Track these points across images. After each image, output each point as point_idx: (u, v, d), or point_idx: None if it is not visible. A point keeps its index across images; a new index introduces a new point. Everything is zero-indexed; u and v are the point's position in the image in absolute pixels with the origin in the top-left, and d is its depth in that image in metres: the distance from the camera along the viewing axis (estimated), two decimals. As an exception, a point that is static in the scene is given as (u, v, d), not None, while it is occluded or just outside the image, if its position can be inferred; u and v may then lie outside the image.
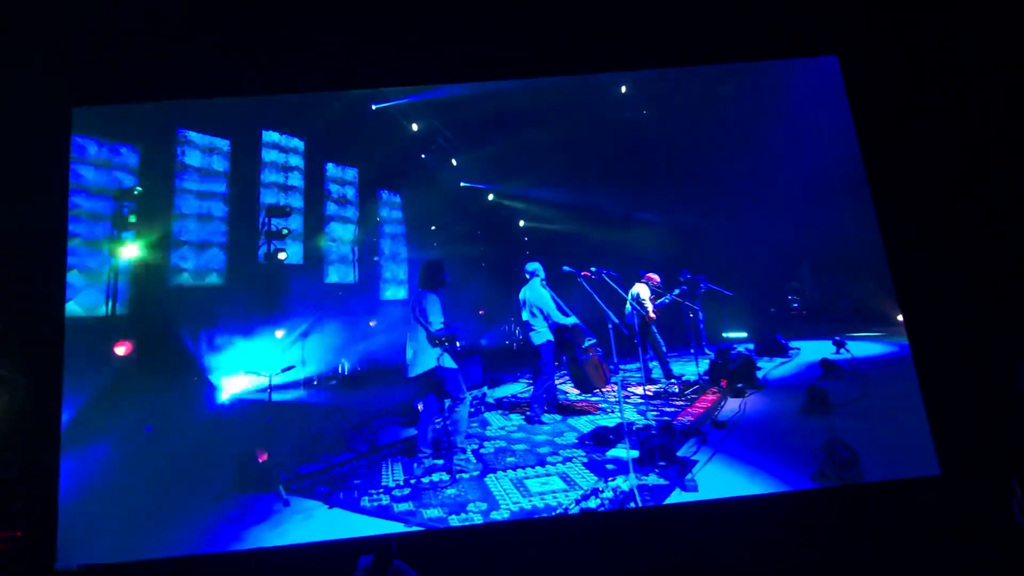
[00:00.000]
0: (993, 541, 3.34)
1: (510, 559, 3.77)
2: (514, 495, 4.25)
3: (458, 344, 7.53)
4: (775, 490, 4.01)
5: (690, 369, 6.82)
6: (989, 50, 4.32)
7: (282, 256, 7.00)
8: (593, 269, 6.13)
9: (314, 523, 4.02)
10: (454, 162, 10.44)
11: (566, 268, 5.44)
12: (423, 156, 10.08)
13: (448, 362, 4.65)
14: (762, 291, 9.45)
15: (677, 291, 7.47)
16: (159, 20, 4.48)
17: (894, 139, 4.46)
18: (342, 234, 9.36)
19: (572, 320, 5.87)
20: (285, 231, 7.24)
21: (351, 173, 9.81)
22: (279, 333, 6.45)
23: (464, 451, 4.69)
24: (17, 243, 4.09)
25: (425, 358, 4.66)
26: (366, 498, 4.35)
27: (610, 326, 4.71)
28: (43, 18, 4.33)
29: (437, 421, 4.94)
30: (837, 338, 7.41)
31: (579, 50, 4.87)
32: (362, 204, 9.81)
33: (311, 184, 9.01)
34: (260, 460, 4.42)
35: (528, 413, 5.84)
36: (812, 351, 7.59)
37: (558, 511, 3.90)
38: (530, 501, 4.13)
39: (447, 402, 4.80)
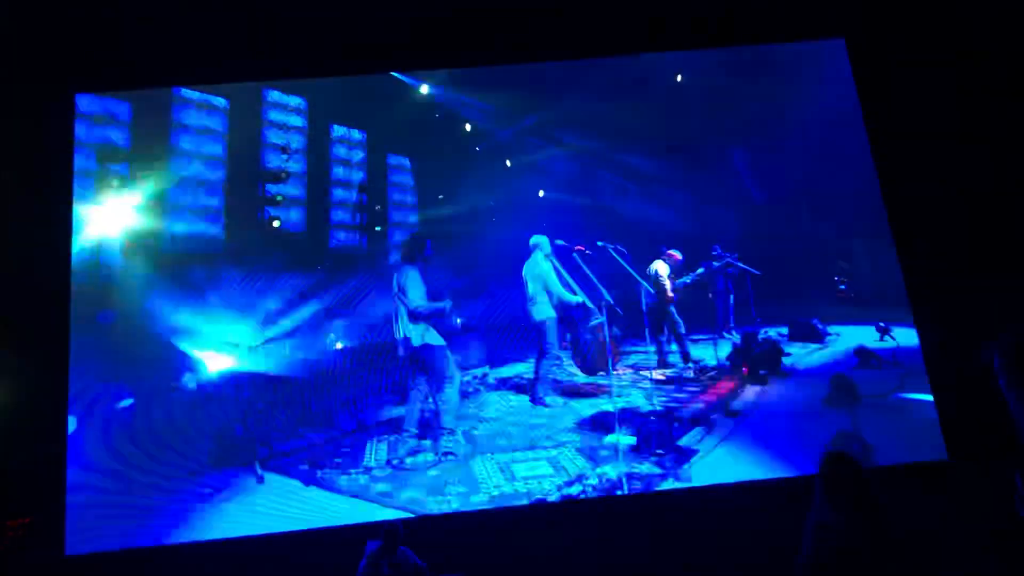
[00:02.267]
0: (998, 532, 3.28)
1: (515, 547, 3.90)
2: (497, 479, 4.34)
3: (459, 321, 7.69)
4: (779, 486, 3.98)
5: (709, 354, 6.72)
6: (999, 34, 4.38)
7: (276, 224, 7.16)
8: (599, 243, 6.12)
9: (287, 501, 4.23)
10: (468, 127, 10.39)
11: (559, 241, 5.43)
12: (436, 116, 10.04)
13: (434, 339, 4.72)
14: (804, 270, 9.15)
15: (701, 269, 7.33)
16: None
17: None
18: (347, 200, 9.47)
19: (579, 298, 5.86)
20: (280, 197, 7.40)
21: (358, 135, 9.89)
22: (271, 304, 6.62)
23: (453, 432, 4.77)
24: (22, 230, 4.38)
25: (411, 336, 4.75)
26: (345, 477, 4.51)
27: (603, 304, 4.68)
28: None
29: (429, 401, 5.04)
30: (882, 324, 7.13)
31: (585, 33, 5.05)
32: (370, 168, 9.89)
33: (315, 147, 9.12)
34: (238, 436, 4.61)
35: (532, 394, 5.91)
36: (853, 337, 7.35)
37: (538, 496, 3.96)
38: (512, 486, 4.21)
39: (436, 382, 4.87)
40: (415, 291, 4.69)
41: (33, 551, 3.82)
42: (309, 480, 4.44)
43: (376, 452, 4.96)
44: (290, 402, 5.61)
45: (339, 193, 9.29)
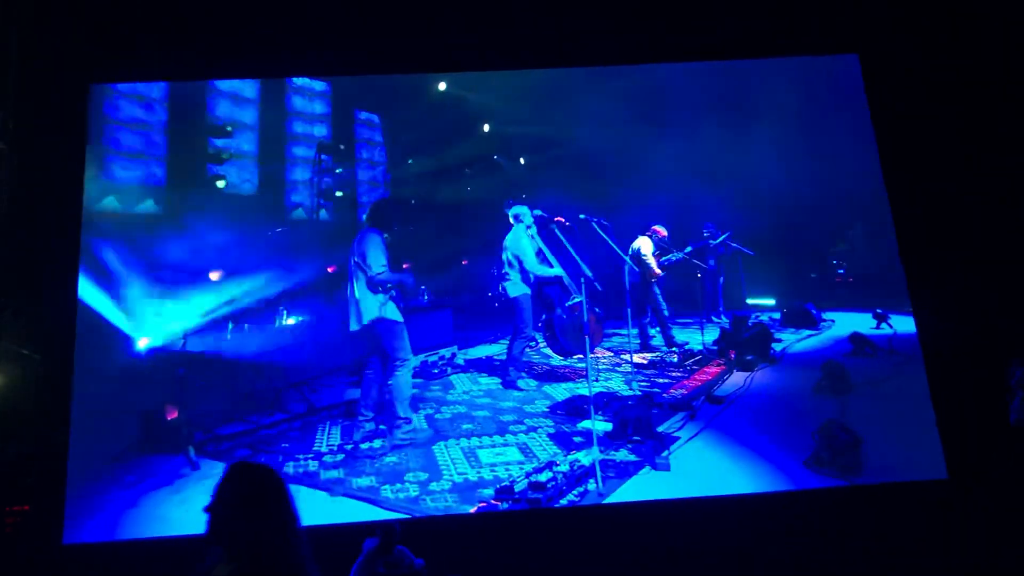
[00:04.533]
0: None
1: (516, 547, 3.90)
2: (462, 465, 4.32)
3: (425, 297, 7.60)
4: (762, 475, 4.04)
5: (696, 338, 6.78)
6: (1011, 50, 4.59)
7: (220, 184, 6.97)
8: (582, 216, 6.08)
9: None
10: (442, 85, 10.19)
11: (537, 212, 5.37)
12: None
13: (392, 313, 4.64)
14: (799, 252, 9.27)
15: (690, 247, 7.37)
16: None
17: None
18: (307, 158, 9.21)
19: (555, 272, 5.83)
20: (226, 155, 7.19)
21: (321, 86, 9.59)
22: (214, 275, 6.46)
23: (409, 421, 4.69)
24: (30, 221, 4.45)
25: (367, 307, 4.63)
26: (292, 463, 4.45)
27: (582, 280, 4.67)
28: None
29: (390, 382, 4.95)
30: (879, 310, 7.27)
31: (595, 42, 5.14)
32: (334, 123, 9.60)
33: (270, 99, 8.80)
34: (169, 418, 4.50)
35: (505, 377, 5.91)
36: (849, 324, 7.48)
37: (504, 484, 3.96)
38: (478, 472, 4.21)
39: (387, 362, 4.76)
40: (378, 257, 4.56)
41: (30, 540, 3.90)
42: (251, 466, 4.35)
43: (328, 437, 4.90)
44: (233, 381, 5.53)
45: (298, 151, 9.10)
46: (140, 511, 4.03)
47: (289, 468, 4.37)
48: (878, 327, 7.07)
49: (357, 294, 4.67)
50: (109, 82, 5.98)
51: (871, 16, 4.95)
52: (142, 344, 5.34)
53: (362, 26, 4.94)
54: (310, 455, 4.58)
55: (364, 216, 4.92)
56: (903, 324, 7.14)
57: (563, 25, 4.95)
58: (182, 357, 5.12)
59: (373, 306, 4.62)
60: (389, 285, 4.61)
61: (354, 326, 4.70)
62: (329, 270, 8.18)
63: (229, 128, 7.20)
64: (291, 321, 6.88)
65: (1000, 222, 4.46)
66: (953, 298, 4.44)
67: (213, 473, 4.30)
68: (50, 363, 4.25)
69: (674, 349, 6.71)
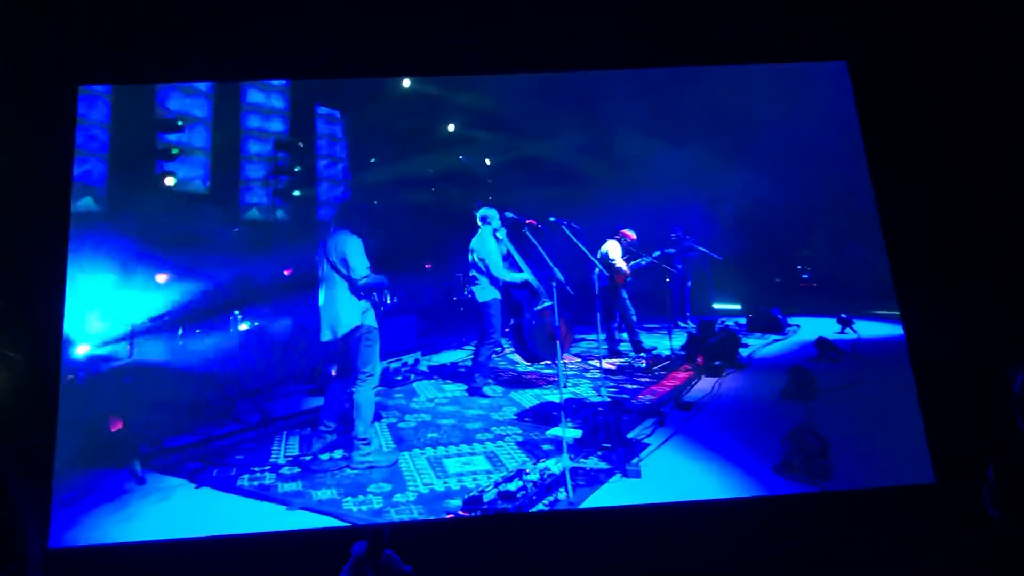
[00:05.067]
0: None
1: (503, 552, 3.93)
2: (428, 475, 4.27)
3: (389, 300, 7.51)
4: (733, 482, 4.10)
5: (664, 344, 6.87)
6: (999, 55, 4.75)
7: (169, 181, 6.75)
8: (552, 219, 6.10)
9: (173, 504, 4.02)
10: (407, 83, 10.09)
11: (509, 214, 5.36)
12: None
13: (372, 320, 4.54)
14: (764, 257, 9.49)
15: (659, 252, 7.45)
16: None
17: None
18: (263, 154, 8.97)
19: (522, 276, 5.83)
20: (175, 150, 6.97)
21: (279, 81, 9.37)
22: (161, 277, 6.24)
23: (368, 442, 4.50)
24: (17, 220, 4.50)
25: (347, 315, 4.49)
26: (246, 476, 4.32)
27: (554, 284, 4.67)
28: None
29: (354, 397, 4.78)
30: (844, 315, 7.50)
31: (579, 47, 5.22)
32: (293, 118, 9.39)
33: (224, 91, 8.54)
34: (113, 430, 4.33)
35: (471, 383, 5.87)
36: (814, 329, 7.68)
37: (472, 494, 3.92)
38: (444, 483, 4.16)
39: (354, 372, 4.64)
40: (362, 261, 4.43)
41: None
42: (202, 480, 4.23)
43: (286, 448, 4.78)
44: (183, 390, 5.32)
45: (253, 147, 8.86)
46: (81, 530, 3.86)
47: (244, 481, 4.25)
48: (842, 331, 7.29)
49: (335, 301, 4.52)
50: (99, 83, 6.09)
51: (842, 26, 5.08)
52: (80, 352, 5.11)
53: (329, 28, 5.01)
54: (266, 467, 4.45)
55: (333, 217, 4.78)
56: (867, 329, 7.42)
57: (542, 28, 5.03)
58: (127, 365, 4.94)
59: (354, 314, 4.49)
60: (373, 291, 4.52)
61: (326, 336, 4.55)
62: (286, 273, 8.02)
63: (180, 122, 6.98)
64: (245, 326, 6.70)
65: (986, 224, 4.63)
66: (941, 301, 4.58)
67: (161, 487, 4.18)
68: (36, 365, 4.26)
69: (642, 355, 6.77)
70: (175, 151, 6.83)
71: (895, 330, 7.38)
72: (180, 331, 5.85)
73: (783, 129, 8.63)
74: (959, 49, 4.85)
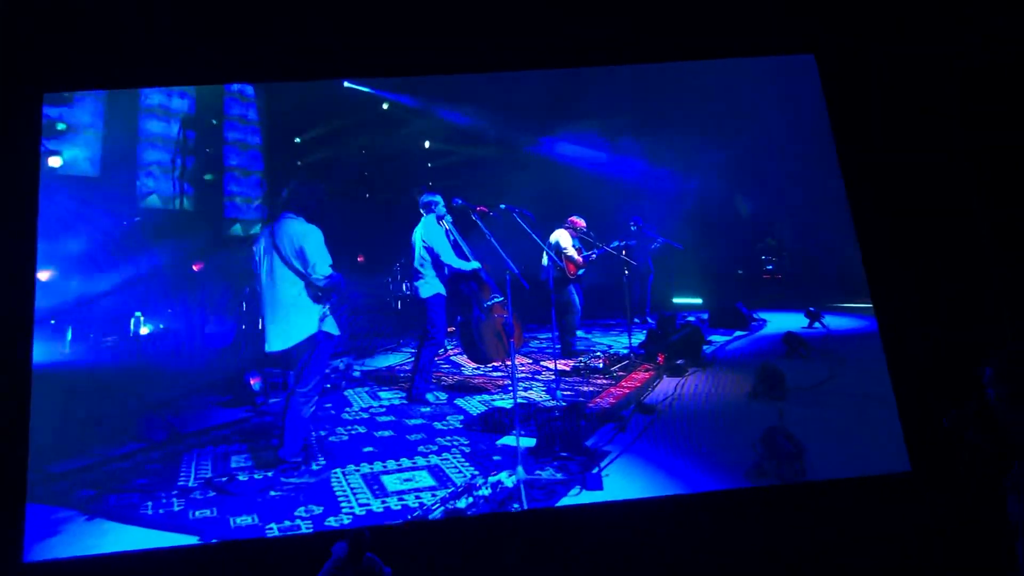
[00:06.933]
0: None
1: (484, 553, 3.94)
2: (363, 495, 4.16)
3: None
4: (702, 489, 4.15)
5: (621, 341, 6.93)
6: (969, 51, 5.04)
7: (54, 162, 6.35)
8: (502, 206, 6.04)
9: (62, 539, 3.81)
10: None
11: (458, 200, 5.30)
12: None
13: (331, 327, 4.35)
14: (726, 247, 9.72)
15: (616, 243, 7.50)
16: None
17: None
18: (165, 135, 8.60)
19: (473, 265, 5.77)
20: (62, 125, 6.58)
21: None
22: (43, 274, 5.89)
23: (297, 466, 4.33)
24: None
25: (303, 320, 4.25)
26: (151, 503, 4.11)
27: (507, 276, 4.62)
28: None
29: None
30: (811, 308, 7.74)
31: (551, 44, 5.31)
32: (200, 95, 9.02)
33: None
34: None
35: (410, 389, 5.78)
36: (781, 323, 7.91)
37: (416, 514, 3.84)
38: (383, 503, 4.06)
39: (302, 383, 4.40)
40: (325, 257, 4.22)
41: None
42: (96, 510, 3.98)
43: (197, 469, 4.56)
44: (71, 405, 5.01)
45: (153, 126, 8.49)
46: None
47: (148, 509, 4.02)
48: (810, 325, 7.53)
49: (287, 303, 4.26)
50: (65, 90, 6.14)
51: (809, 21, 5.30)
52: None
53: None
54: (174, 492, 4.24)
55: (281, 201, 4.50)
56: (836, 322, 7.68)
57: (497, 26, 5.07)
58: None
59: (311, 319, 4.26)
60: (332, 292, 4.32)
61: (277, 345, 4.29)
62: (195, 268, 7.71)
63: (68, 95, 6.59)
64: (147, 330, 6.42)
65: (958, 212, 4.86)
66: (914, 291, 4.79)
67: (47, 520, 3.90)
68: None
69: (583, 360, 6.71)
70: (61, 127, 6.45)
71: (864, 323, 7.71)
72: (69, 336, 5.53)
73: (750, 121, 8.88)
74: (924, 40, 5.09)
